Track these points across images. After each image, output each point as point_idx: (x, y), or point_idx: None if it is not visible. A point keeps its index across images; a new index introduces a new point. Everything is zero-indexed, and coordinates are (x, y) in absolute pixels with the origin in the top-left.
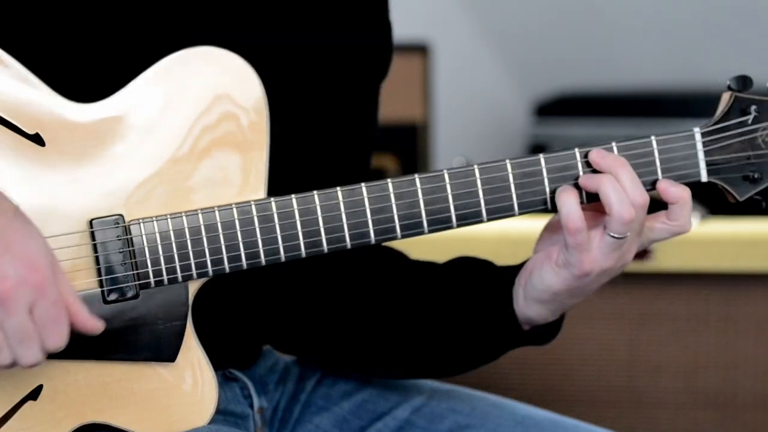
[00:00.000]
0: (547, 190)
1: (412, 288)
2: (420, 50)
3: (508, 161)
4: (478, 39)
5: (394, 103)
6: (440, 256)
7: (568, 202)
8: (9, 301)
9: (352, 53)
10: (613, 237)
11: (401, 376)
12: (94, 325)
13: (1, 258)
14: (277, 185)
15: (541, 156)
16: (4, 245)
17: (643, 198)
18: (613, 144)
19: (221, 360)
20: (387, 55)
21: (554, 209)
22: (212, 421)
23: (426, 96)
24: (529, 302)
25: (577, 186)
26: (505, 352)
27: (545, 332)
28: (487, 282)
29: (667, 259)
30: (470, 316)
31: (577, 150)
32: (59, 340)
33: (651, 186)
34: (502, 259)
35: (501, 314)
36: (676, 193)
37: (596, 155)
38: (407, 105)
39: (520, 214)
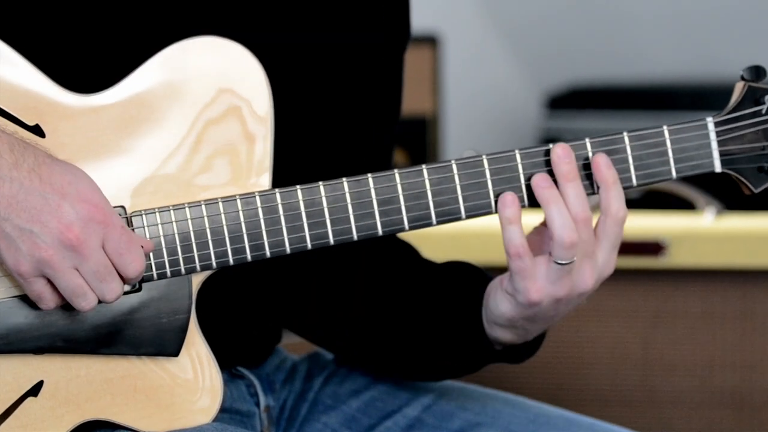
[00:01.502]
0: None
1: (405, 288)
2: (429, 42)
3: (517, 152)
4: (488, 30)
5: (403, 96)
6: (451, 252)
7: (510, 225)
8: (82, 245)
9: (358, 48)
10: (558, 263)
11: (397, 375)
12: (150, 246)
13: (62, 206)
14: (285, 177)
15: (551, 146)
16: (59, 192)
17: (584, 213)
18: (625, 134)
19: (228, 358)
20: (398, 50)
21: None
22: (217, 419)
23: (435, 89)
24: (490, 325)
25: (528, 187)
26: (481, 367)
27: (524, 350)
28: (466, 296)
29: (681, 255)
30: (446, 328)
31: (587, 140)
32: (138, 265)
33: (665, 177)
34: None
35: (473, 331)
36: (602, 174)
37: (557, 157)
38: (416, 98)
39: (530, 205)
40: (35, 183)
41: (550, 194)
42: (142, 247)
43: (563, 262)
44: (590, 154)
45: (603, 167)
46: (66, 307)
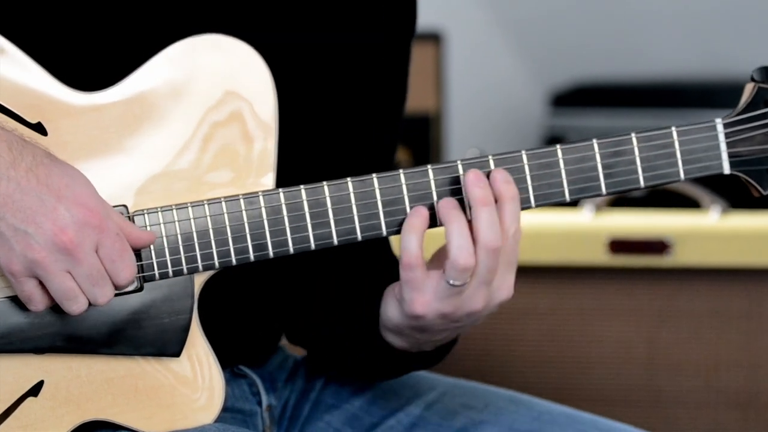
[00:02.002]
0: (565, 182)
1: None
2: (433, 39)
3: (524, 152)
4: (492, 27)
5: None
6: None
7: (409, 234)
8: (76, 248)
9: (363, 46)
10: (449, 283)
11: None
12: (150, 237)
13: (57, 208)
14: (290, 177)
15: (558, 147)
16: (55, 194)
17: (495, 243)
18: (633, 135)
19: (229, 357)
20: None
21: (573, 201)
22: (219, 418)
23: (439, 86)
24: (383, 329)
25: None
26: (398, 372)
27: (434, 356)
28: (376, 297)
29: (686, 253)
30: (358, 327)
31: (595, 141)
32: (130, 272)
33: (673, 179)
34: (520, 254)
35: (374, 332)
36: (498, 189)
37: (469, 181)
38: (420, 95)
39: (536, 206)
40: (32, 183)
41: (452, 214)
42: (137, 253)
43: (455, 283)
44: (598, 158)
45: (500, 182)
46: (60, 308)
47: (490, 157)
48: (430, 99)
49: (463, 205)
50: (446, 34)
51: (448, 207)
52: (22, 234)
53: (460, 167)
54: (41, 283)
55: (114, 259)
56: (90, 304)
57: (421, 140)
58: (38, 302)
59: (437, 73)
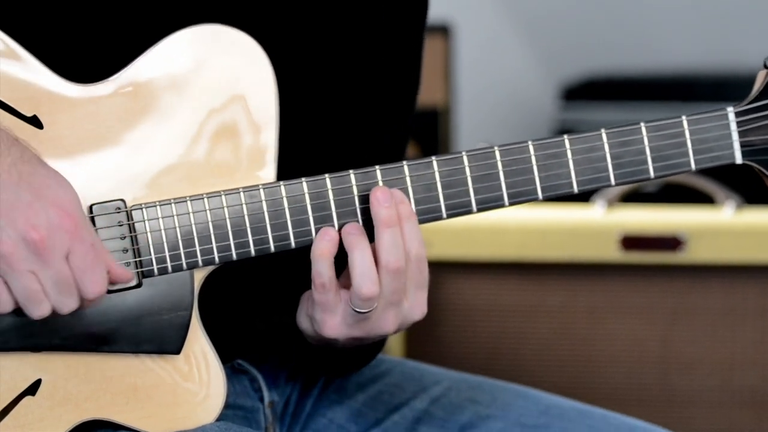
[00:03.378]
0: (573, 173)
1: None
2: (441, 31)
3: (530, 143)
4: (502, 19)
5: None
6: (465, 247)
7: (320, 259)
8: (45, 250)
9: (370, 35)
10: (355, 311)
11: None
12: (127, 275)
13: (33, 205)
14: (292, 170)
15: (566, 137)
16: (35, 192)
17: (396, 264)
18: (642, 124)
19: (230, 352)
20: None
21: (580, 193)
22: (220, 416)
23: (448, 79)
24: (306, 336)
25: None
26: (326, 366)
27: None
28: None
29: (700, 250)
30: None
31: (603, 131)
32: (99, 286)
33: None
34: (528, 250)
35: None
36: (378, 213)
37: (375, 200)
38: (428, 89)
39: (543, 198)
40: (13, 178)
41: (355, 240)
42: (136, 248)
43: (361, 311)
44: (607, 147)
45: (396, 202)
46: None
47: (495, 147)
48: (439, 92)
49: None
50: (455, 26)
51: (351, 232)
52: None
53: (465, 157)
54: (6, 284)
55: (84, 270)
56: (54, 312)
57: (430, 134)
58: (3, 302)
59: (446, 66)
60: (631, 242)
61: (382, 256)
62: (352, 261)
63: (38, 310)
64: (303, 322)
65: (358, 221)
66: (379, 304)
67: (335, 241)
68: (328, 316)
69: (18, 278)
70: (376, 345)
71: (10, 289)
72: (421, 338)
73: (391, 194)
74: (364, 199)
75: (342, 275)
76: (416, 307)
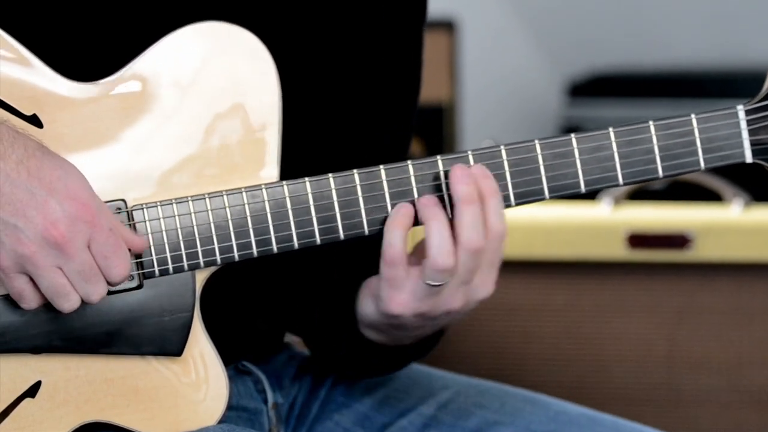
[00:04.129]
0: (580, 172)
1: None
2: (446, 27)
3: (537, 141)
4: (508, 15)
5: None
6: None
7: (394, 230)
8: (67, 244)
9: (371, 33)
10: (427, 284)
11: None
12: (142, 242)
13: (48, 202)
14: (295, 169)
15: (573, 136)
16: (47, 187)
17: (477, 243)
18: (651, 123)
19: (233, 353)
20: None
21: (588, 192)
22: (223, 417)
23: (453, 75)
24: (361, 325)
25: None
26: (381, 368)
27: (422, 347)
28: (353, 291)
29: (708, 248)
30: (337, 321)
31: (611, 129)
32: (123, 268)
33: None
34: (534, 249)
35: (352, 326)
36: (458, 190)
37: (454, 177)
38: (433, 85)
39: (550, 198)
40: (23, 176)
41: (433, 212)
42: (129, 250)
43: (433, 284)
44: (615, 146)
45: (480, 178)
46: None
47: (502, 147)
48: (444, 89)
49: (444, 202)
50: (460, 21)
51: (428, 204)
52: (12, 228)
53: (471, 156)
54: (32, 280)
55: (107, 255)
56: (83, 302)
57: (435, 131)
58: (30, 299)
59: (451, 62)
60: (638, 240)
61: (463, 233)
62: (429, 233)
63: (68, 303)
64: (366, 305)
65: (362, 219)
66: (452, 281)
67: (411, 214)
68: (395, 292)
69: (44, 275)
70: (429, 340)
71: (36, 286)
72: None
73: (470, 172)
74: (369, 200)
75: (411, 253)
76: (484, 284)
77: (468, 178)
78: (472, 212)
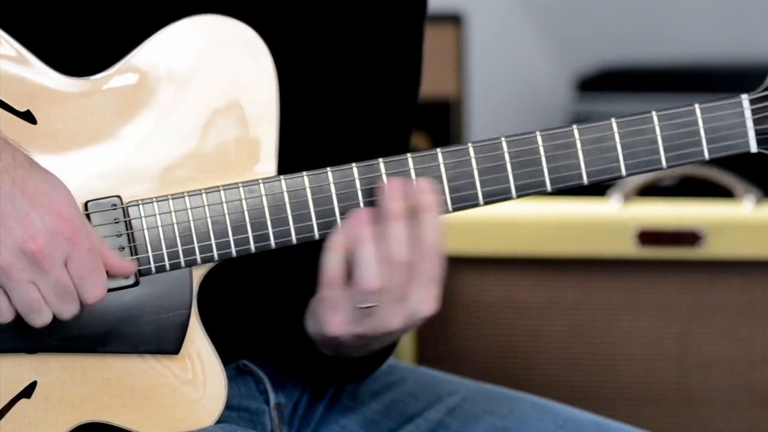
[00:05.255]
0: (582, 163)
1: None
2: (453, 20)
3: (538, 133)
4: (515, 8)
5: (424, 77)
6: (477, 242)
7: (330, 251)
8: (44, 259)
9: (370, 26)
10: (358, 306)
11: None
12: (130, 266)
13: (30, 214)
14: (294, 164)
15: (575, 127)
16: (30, 199)
17: (403, 258)
18: (653, 113)
19: (233, 352)
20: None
21: (591, 184)
22: (224, 417)
23: (459, 70)
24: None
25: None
26: (339, 378)
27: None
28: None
29: (719, 245)
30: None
31: (614, 120)
32: (98, 291)
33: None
34: (542, 246)
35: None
36: (386, 205)
37: (385, 192)
38: (439, 79)
39: (552, 190)
40: (7, 185)
41: (359, 233)
42: (133, 246)
43: (363, 306)
44: (617, 137)
45: (418, 192)
46: None
47: (502, 138)
48: (451, 83)
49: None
50: (467, 15)
51: (357, 224)
52: None
53: (471, 149)
54: (6, 293)
55: (83, 275)
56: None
57: (441, 126)
58: (3, 313)
59: (458, 56)
60: (648, 237)
61: (390, 248)
62: (356, 255)
63: (39, 319)
64: (311, 325)
65: None
66: (383, 298)
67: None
68: (332, 314)
69: (18, 289)
70: (385, 350)
71: (10, 299)
72: (432, 336)
73: (401, 188)
74: (368, 193)
75: (351, 274)
76: (425, 302)
77: (397, 194)
78: (399, 227)
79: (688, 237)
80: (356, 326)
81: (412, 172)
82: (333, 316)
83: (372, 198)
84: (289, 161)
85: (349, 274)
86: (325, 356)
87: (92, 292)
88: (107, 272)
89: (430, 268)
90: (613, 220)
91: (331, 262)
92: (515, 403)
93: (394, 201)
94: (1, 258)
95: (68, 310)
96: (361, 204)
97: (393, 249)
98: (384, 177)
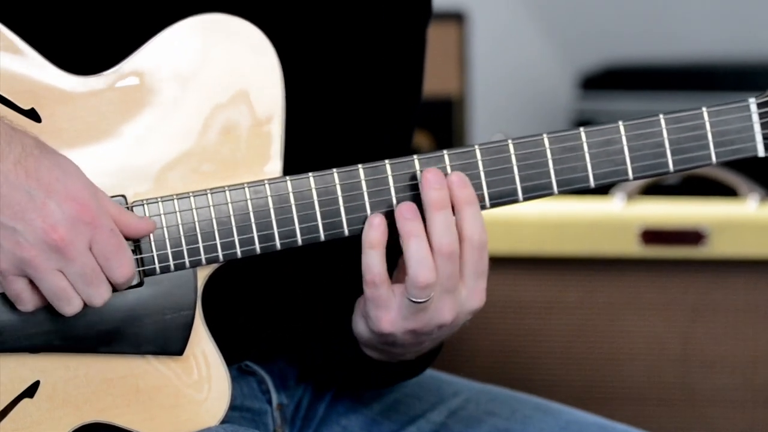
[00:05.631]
0: (589, 166)
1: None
2: (455, 18)
3: (545, 135)
4: (518, 5)
5: (427, 75)
6: None
7: (370, 250)
8: (67, 247)
9: (374, 27)
10: (412, 301)
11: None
12: (149, 226)
13: (47, 203)
14: (298, 165)
15: (582, 130)
16: (45, 188)
17: (450, 248)
18: (661, 116)
19: (236, 353)
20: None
21: (597, 187)
22: (227, 417)
23: (462, 68)
24: (360, 344)
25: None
26: (383, 383)
27: (418, 363)
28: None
29: (723, 244)
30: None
31: (621, 123)
32: (126, 269)
33: (704, 163)
34: (545, 245)
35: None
36: (455, 194)
37: (425, 182)
38: (442, 78)
39: (559, 193)
40: (21, 177)
41: (411, 227)
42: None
43: (417, 300)
44: (624, 140)
45: (456, 186)
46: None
47: (509, 141)
48: (453, 81)
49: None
50: (470, 13)
51: (406, 218)
52: (11, 231)
53: (478, 151)
54: (32, 283)
55: (109, 257)
56: (85, 305)
57: (444, 125)
58: (27, 302)
59: (460, 54)
60: (652, 236)
61: (434, 240)
62: (407, 249)
63: (69, 307)
64: (358, 325)
65: (367, 214)
66: (435, 291)
67: (384, 228)
68: (382, 312)
69: (45, 279)
70: (430, 353)
71: (35, 289)
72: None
73: (441, 177)
74: (373, 194)
75: (396, 270)
76: (475, 295)
77: (438, 183)
78: (441, 217)
79: (692, 236)
80: (409, 322)
81: (418, 174)
82: (384, 314)
83: (378, 198)
84: (295, 161)
85: (399, 269)
86: (366, 360)
87: (120, 271)
88: (131, 237)
89: (475, 261)
90: (616, 219)
91: (374, 261)
92: (518, 405)
93: (434, 191)
94: (25, 251)
95: (99, 295)
96: (367, 205)
97: (438, 240)
98: (390, 179)
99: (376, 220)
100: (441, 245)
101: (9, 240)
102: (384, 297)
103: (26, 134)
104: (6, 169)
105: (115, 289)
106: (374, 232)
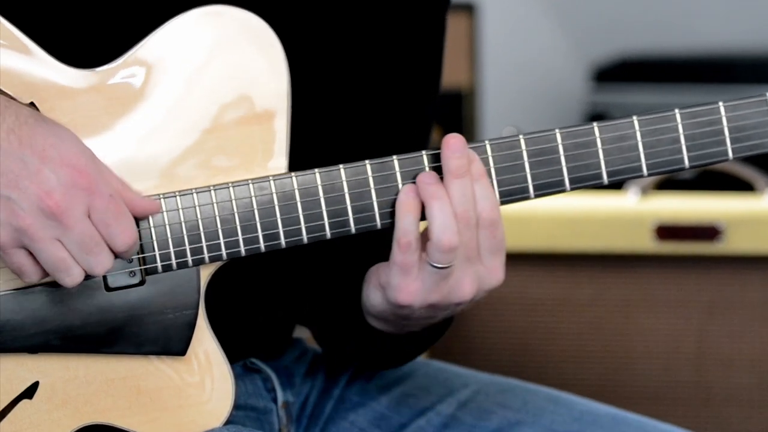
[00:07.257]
0: (602, 162)
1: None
2: (466, 9)
3: (557, 131)
4: None
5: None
6: None
7: (407, 214)
8: (64, 213)
9: (390, 16)
10: (433, 266)
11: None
12: (155, 205)
13: (42, 171)
14: (306, 161)
15: (595, 125)
16: (39, 155)
17: (466, 213)
18: (676, 111)
19: (240, 350)
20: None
21: (611, 183)
22: (231, 417)
23: (473, 60)
24: (367, 315)
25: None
26: (393, 359)
27: (427, 335)
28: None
29: (739, 240)
30: (342, 310)
31: (635, 118)
32: (128, 236)
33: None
34: (558, 241)
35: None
36: (447, 163)
37: (448, 148)
38: (452, 70)
39: (571, 189)
40: (14, 145)
41: (433, 191)
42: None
43: (439, 265)
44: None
45: (471, 161)
46: (63, 301)
47: (521, 136)
48: (464, 74)
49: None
50: (481, 4)
51: (428, 182)
52: (5, 200)
53: (488, 146)
54: (32, 254)
55: (108, 223)
56: (87, 276)
57: (454, 118)
58: (31, 273)
59: (471, 46)
60: (667, 232)
61: (455, 206)
62: (431, 212)
63: (69, 278)
64: (372, 296)
65: (374, 212)
66: (458, 258)
67: (417, 194)
68: (408, 280)
69: (43, 249)
70: (439, 326)
71: (36, 260)
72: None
73: (465, 144)
74: (381, 191)
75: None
76: (493, 271)
77: (461, 152)
78: (461, 183)
79: (708, 231)
80: (430, 293)
81: (427, 170)
82: (408, 282)
83: (385, 197)
84: (301, 157)
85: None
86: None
87: (121, 238)
88: (133, 215)
89: (492, 239)
90: (630, 214)
91: (407, 224)
92: (529, 396)
93: (456, 159)
94: (21, 220)
95: (100, 264)
96: (375, 203)
97: (459, 206)
98: (398, 175)
99: (408, 186)
100: (458, 211)
101: (5, 210)
102: (412, 263)
103: (21, 105)
104: None
105: (116, 257)
106: (408, 197)
